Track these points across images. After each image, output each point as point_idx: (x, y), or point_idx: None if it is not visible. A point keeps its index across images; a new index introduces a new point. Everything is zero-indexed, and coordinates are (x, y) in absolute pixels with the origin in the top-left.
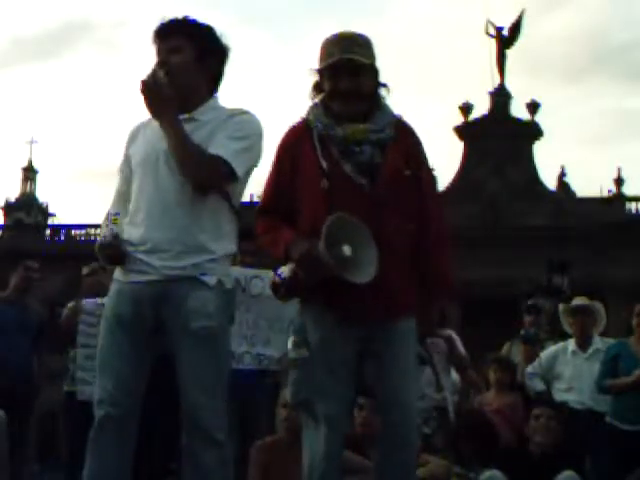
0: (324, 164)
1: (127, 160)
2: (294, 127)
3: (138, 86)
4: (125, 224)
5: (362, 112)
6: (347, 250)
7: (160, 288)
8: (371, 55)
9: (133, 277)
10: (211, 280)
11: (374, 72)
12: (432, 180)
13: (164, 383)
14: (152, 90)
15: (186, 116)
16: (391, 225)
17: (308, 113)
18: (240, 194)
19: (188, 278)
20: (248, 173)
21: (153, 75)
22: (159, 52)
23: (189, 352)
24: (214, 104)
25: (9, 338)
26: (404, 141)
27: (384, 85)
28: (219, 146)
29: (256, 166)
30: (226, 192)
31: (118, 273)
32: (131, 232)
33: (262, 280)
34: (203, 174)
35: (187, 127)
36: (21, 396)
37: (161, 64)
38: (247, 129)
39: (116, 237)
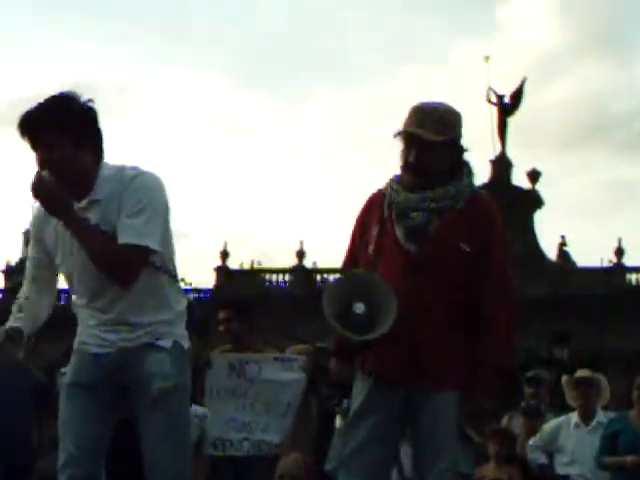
0: (376, 229)
1: (40, 244)
2: (372, 195)
3: (29, 191)
4: (75, 304)
5: (434, 182)
6: (359, 307)
7: (118, 357)
8: (447, 131)
9: (92, 349)
10: (167, 343)
11: (451, 146)
12: (501, 262)
13: (131, 448)
14: (41, 192)
15: (86, 201)
16: (432, 292)
17: (387, 181)
18: (170, 253)
19: (144, 345)
20: (166, 232)
21: (38, 178)
22: (33, 149)
23: (147, 413)
24: (106, 174)
25: (7, 403)
26: (472, 215)
27: (465, 163)
28: (125, 229)
29: (168, 222)
30: (154, 263)
31: (77, 344)
32: (81, 313)
33: (257, 364)
34: (119, 271)
35: (93, 213)
36: (20, 462)
37: (42, 163)
38: (144, 197)
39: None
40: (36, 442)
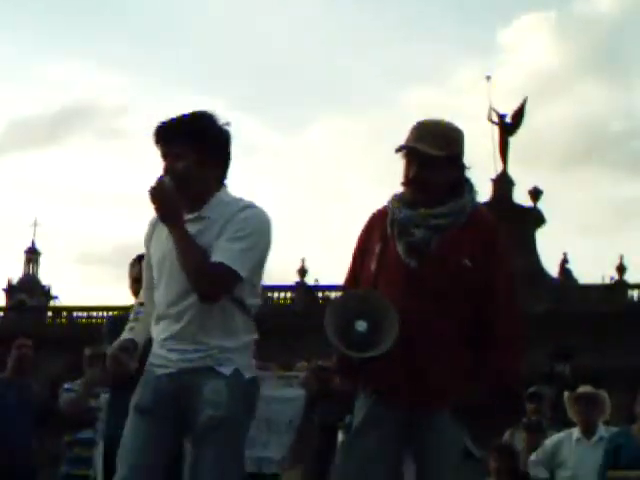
0: (378, 247)
1: (148, 251)
2: (374, 213)
3: (147, 194)
4: (154, 323)
5: (435, 199)
6: (361, 325)
7: (178, 380)
8: (448, 146)
9: (156, 370)
10: (227, 370)
11: (452, 163)
12: (505, 276)
13: None
14: (158, 196)
15: (195, 215)
16: (433, 309)
17: (389, 199)
18: (254, 289)
19: (204, 369)
20: (257, 268)
21: (159, 183)
22: (163, 157)
23: (198, 440)
24: (222, 198)
25: (8, 418)
26: (473, 231)
27: (467, 180)
28: (221, 250)
29: (264, 259)
30: (235, 295)
31: (146, 365)
32: (153, 329)
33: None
34: (205, 285)
35: (196, 226)
36: (21, 477)
37: (166, 171)
38: (249, 227)
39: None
40: (36, 458)
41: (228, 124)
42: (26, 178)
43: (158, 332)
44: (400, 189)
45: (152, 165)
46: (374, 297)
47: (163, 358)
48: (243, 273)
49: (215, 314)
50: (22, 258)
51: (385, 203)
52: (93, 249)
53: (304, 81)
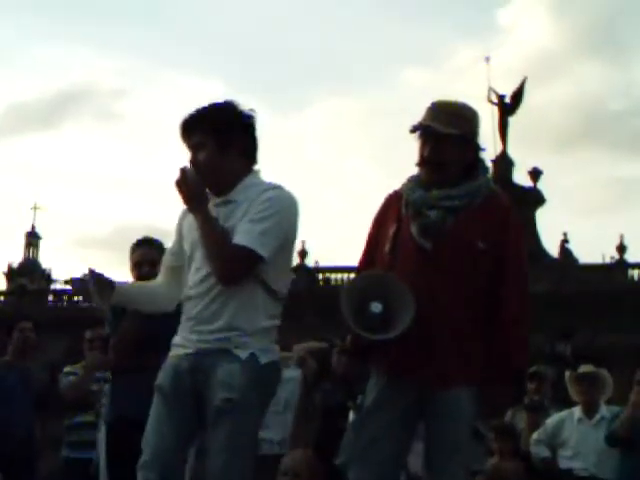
0: (392, 228)
1: (179, 239)
2: (389, 195)
3: (173, 184)
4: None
5: (450, 179)
6: (376, 307)
7: (195, 361)
8: (461, 125)
9: (176, 351)
10: (243, 354)
11: (467, 143)
12: (517, 260)
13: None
14: (181, 186)
15: (222, 199)
16: (447, 289)
17: (404, 181)
18: (280, 272)
19: (220, 351)
20: (281, 249)
21: (182, 172)
22: (188, 149)
23: (213, 422)
24: (250, 181)
25: (10, 402)
26: (488, 213)
27: (481, 160)
28: (242, 232)
29: (289, 241)
30: (258, 275)
31: (172, 346)
32: (184, 311)
33: None
34: (224, 268)
35: (224, 210)
36: (22, 460)
37: (190, 162)
38: (271, 207)
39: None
40: (38, 442)
41: (251, 111)
42: (25, 162)
43: (184, 313)
44: (411, 172)
45: (150, 148)
46: (391, 279)
47: (184, 339)
48: (264, 253)
49: (237, 296)
50: (22, 242)
51: (400, 185)
52: (92, 232)
53: (303, 62)
